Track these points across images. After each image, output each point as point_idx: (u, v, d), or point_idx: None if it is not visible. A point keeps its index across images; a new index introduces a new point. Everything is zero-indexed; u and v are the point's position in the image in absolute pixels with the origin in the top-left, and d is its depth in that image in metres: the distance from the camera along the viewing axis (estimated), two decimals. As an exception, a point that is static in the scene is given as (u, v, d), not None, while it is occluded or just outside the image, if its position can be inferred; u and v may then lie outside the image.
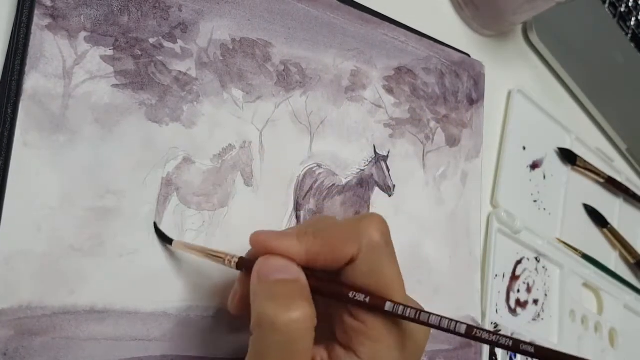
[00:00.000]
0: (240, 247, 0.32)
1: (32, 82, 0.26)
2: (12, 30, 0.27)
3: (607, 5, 0.61)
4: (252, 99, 0.33)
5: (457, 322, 0.22)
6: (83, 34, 0.28)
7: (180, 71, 0.30)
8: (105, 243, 0.27)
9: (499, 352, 0.43)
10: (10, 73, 0.26)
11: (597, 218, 0.55)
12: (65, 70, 0.27)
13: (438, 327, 0.23)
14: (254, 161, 0.33)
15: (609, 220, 0.57)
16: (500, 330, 0.43)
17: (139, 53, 0.29)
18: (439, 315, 0.23)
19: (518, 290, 0.46)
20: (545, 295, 0.49)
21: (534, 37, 0.53)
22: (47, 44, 0.27)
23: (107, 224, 0.28)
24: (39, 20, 0.27)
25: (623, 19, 0.62)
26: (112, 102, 0.28)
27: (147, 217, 0.29)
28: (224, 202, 0.31)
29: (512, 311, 0.45)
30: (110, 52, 0.28)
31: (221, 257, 0.27)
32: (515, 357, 0.44)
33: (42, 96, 0.26)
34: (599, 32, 0.60)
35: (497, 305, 0.44)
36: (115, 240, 0.28)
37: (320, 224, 0.26)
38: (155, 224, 0.29)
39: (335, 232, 0.25)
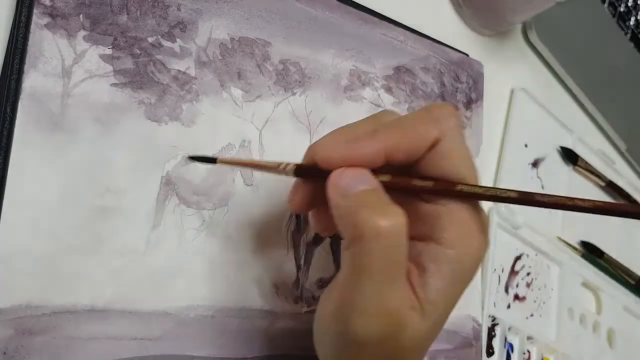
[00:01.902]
0: (241, 247, 0.32)
1: (31, 81, 0.26)
2: (11, 30, 0.27)
3: (606, 4, 0.61)
4: (252, 98, 0.33)
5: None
6: (82, 33, 0.28)
7: (179, 70, 0.30)
8: (105, 242, 0.27)
9: (495, 345, 0.43)
10: (9, 72, 0.26)
11: (593, 250, 0.54)
12: (64, 69, 0.27)
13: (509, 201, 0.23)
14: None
15: (609, 224, 0.57)
16: (497, 325, 0.43)
17: (138, 52, 0.29)
18: (509, 190, 0.23)
19: (517, 286, 0.46)
20: (544, 292, 0.49)
21: (533, 37, 0.53)
22: (46, 43, 0.27)
23: (107, 223, 0.28)
24: (37, 19, 0.27)
25: (622, 18, 0.62)
26: (111, 101, 0.28)
27: (147, 216, 0.29)
28: (224, 201, 0.31)
29: (510, 306, 0.46)
30: (109, 51, 0.28)
31: (273, 167, 0.26)
32: (512, 350, 0.44)
33: (41, 95, 0.26)
34: (598, 32, 0.60)
35: (495, 298, 0.44)
36: (115, 239, 0.28)
37: (385, 117, 0.25)
38: (190, 156, 0.29)
39: (412, 120, 0.24)
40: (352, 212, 0.22)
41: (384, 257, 0.22)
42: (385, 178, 0.24)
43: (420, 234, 0.24)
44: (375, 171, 0.24)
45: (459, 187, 0.23)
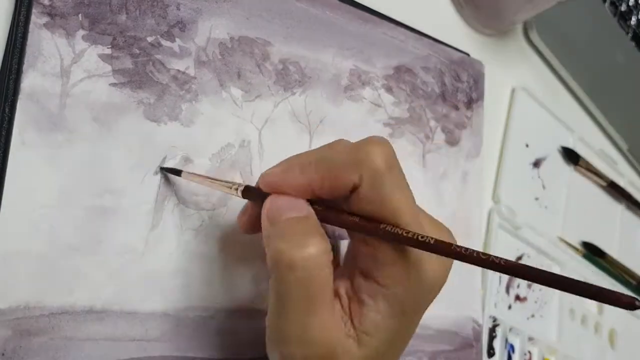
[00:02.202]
0: (240, 247, 0.31)
1: (29, 80, 0.26)
2: (10, 29, 0.27)
3: (607, 4, 0.61)
4: (251, 98, 0.33)
5: (443, 242, 0.21)
6: (81, 32, 0.28)
7: (178, 70, 0.30)
8: (103, 242, 0.27)
9: (496, 346, 0.43)
10: (8, 72, 0.26)
11: (594, 250, 0.54)
12: (63, 68, 0.27)
13: (426, 248, 0.22)
14: (253, 160, 0.33)
15: (610, 224, 0.57)
16: (498, 325, 0.43)
17: (137, 52, 0.29)
18: (428, 237, 0.22)
19: (518, 286, 0.46)
20: (545, 292, 0.48)
21: (534, 36, 0.53)
22: (44, 43, 0.27)
23: (106, 223, 0.27)
24: (36, 19, 0.26)
25: (623, 17, 0.62)
26: (110, 101, 0.28)
27: (146, 216, 0.29)
28: (223, 201, 0.31)
29: (511, 306, 0.45)
30: (108, 51, 0.28)
31: (227, 185, 0.27)
32: (513, 351, 0.44)
33: (40, 95, 0.26)
34: (599, 31, 0.60)
35: (496, 299, 0.44)
36: (114, 239, 0.28)
37: (321, 152, 0.25)
38: (160, 168, 0.29)
39: (336, 160, 0.24)
40: (273, 241, 0.23)
41: (300, 287, 0.22)
42: (319, 208, 0.24)
43: (364, 269, 0.24)
44: (312, 201, 0.24)
45: (383, 227, 0.23)
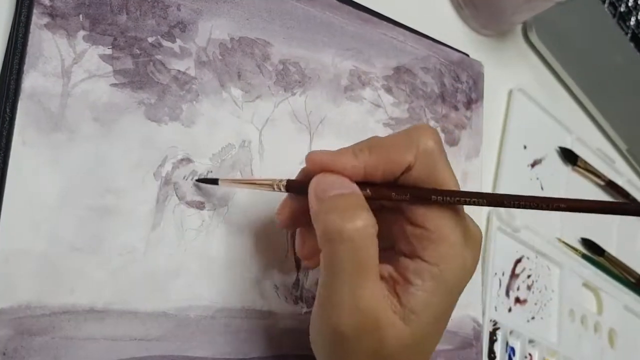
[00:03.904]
0: (241, 247, 0.32)
1: (30, 81, 0.26)
2: (11, 30, 0.27)
3: (606, 4, 0.61)
4: (252, 98, 0.33)
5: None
6: (82, 33, 0.28)
7: (179, 70, 0.30)
8: (104, 242, 0.27)
9: (497, 349, 0.43)
10: (9, 72, 0.26)
11: (593, 248, 0.54)
12: (64, 69, 0.27)
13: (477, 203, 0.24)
14: (254, 160, 0.33)
15: (609, 223, 0.57)
16: (499, 328, 0.43)
17: (138, 52, 0.29)
18: (473, 193, 0.24)
19: (518, 288, 0.46)
20: (545, 294, 0.48)
21: (533, 37, 0.53)
22: (45, 43, 0.27)
23: (107, 223, 0.28)
24: (37, 19, 0.27)
25: (623, 18, 0.62)
26: (111, 101, 0.28)
27: (146, 216, 0.29)
28: (224, 201, 0.31)
29: (511, 309, 0.45)
30: (109, 51, 0.28)
31: (268, 184, 0.28)
32: (514, 354, 0.44)
33: (41, 95, 0.26)
34: (598, 32, 0.60)
35: (496, 302, 0.44)
36: (115, 239, 0.28)
37: (372, 140, 0.26)
38: (196, 180, 0.30)
39: (391, 143, 0.25)
40: (322, 215, 0.24)
41: (351, 258, 0.23)
42: (367, 190, 0.26)
43: (407, 250, 0.26)
44: (359, 183, 0.26)
45: (433, 197, 0.25)
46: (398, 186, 0.25)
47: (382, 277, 0.25)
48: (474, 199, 0.24)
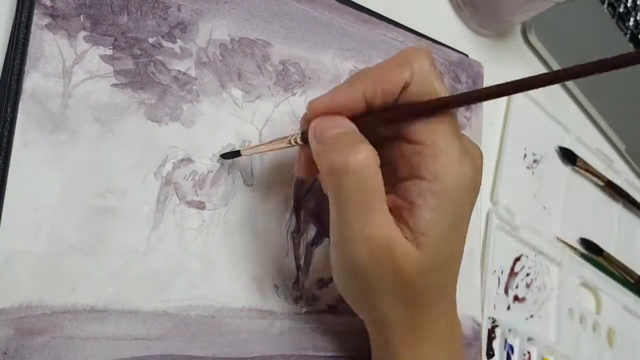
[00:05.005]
0: (241, 247, 0.32)
1: (31, 81, 0.26)
2: (12, 30, 0.27)
3: (605, 5, 0.61)
4: (252, 99, 0.33)
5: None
6: (82, 33, 0.28)
7: (179, 70, 0.31)
8: (105, 242, 0.27)
9: (495, 347, 0.43)
10: (10, 72, 0.26)
11: (592, 248, 0.54)
12: (65, 69, 0.27)
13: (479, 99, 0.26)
14: (254, 160, 0.33)
15: (608, 223, 0.57)
16: (497, 326, 0.43)
17: (139, 52, 0.29)
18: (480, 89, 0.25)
19: (516, 287, 0.46)
20: (544, 293, 0.49)
21: (532, 38, 0.53)
22: (46, 44, 0.27)
23: (107, 223, 0.28)
24: (38, 20, 0.27)
25: (622, 19, 0.63)
26: (111, 102, 0.28)
27: (147, 216, 0.29)
28: (224, 201, 0.31)
29: (510, 307, 0.46)
30: (109, 52, 0.28)
31: (285, 141, 0.28)
32: (512, 352, 0.45)
33: (42, 95, 0.26)
34: (597, 33, 0.60)
35: (495, 300, 0.44)
36: (115, 239, 0.28)
37: (366, 69, 0.27)
38: (220, 156, 0.31)
39: (385, 65, 0.26)
40: (324, 154, 0.25)
41: (357, 189, 0.24)
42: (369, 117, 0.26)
43: (407, 174, 0.26)
44: (358, 117, 0.26)
45: (430, 102, 0.25)
46: (398, 105, 0.26)
47: (389, 208, 0.25)
48: (469, 97, 0.25)
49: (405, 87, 0.25)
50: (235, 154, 0.31)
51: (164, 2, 0.30)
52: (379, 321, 0.28)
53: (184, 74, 0.31)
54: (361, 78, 0.26)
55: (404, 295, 0.26)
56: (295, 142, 0.28)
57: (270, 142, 0.30)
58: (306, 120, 0.28)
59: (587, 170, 0.55)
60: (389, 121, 0.26)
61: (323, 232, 0.35)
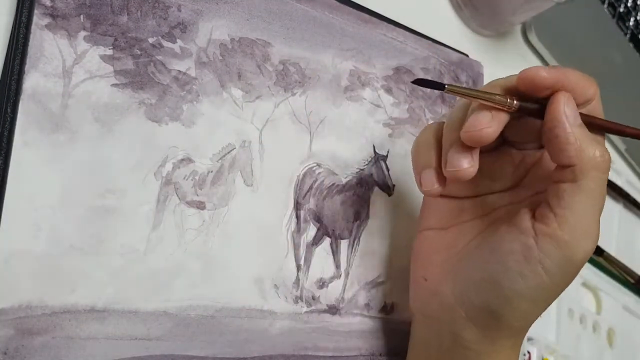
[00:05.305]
0: (241, 247, 0.32)
1: (31, 81, 0.26)
2: (12, 30, 0.27)
3: (606, 5, 0.61)
4: (252, 99, 0.33)
5: None
6: (82, 33, 0.28)
7: (179, 70, 0.31)
8: (105, 242, 0.27)
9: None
10: (10, 72, 0.26)
11: None
12: (65, 69, 0.27)
13: None
14: (254, 160, 0.33)
15: (609, 223, 0.57)
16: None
17: (139, 52, 0.29)
18: None
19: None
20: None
21: (532, 38, 0.53)
22: (46, 44, 0.27)
23: (107, 223, 0.28)
24: (38, 20, 0.27)
25: (622, 19, 0.63)
26: (111, 102, 0.28)
27: (147, 216, 0.29)
28: (224, 201, 0.31)
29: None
30: (109, 52, 0.28)
31: (501, 101, 0.27)
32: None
33: (42, 95, 0.27)
34: (597, 33, 0.60)
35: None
36: (115, 239, 0.28)
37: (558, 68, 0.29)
38: (420, 79, 0.29)
39: (578, 74, 0.29)
40: (588, 143, 0.26)
41: (603, 188, 0.26)
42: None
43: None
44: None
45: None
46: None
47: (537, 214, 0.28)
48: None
49: (588, 101, 0.28)
50: (439, 86, 0.27)
51: (164, 2, 0.30)
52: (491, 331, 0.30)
53: (184, 74, 0.31)
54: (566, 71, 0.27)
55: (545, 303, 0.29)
56: (509, 108, 0.27)
57: (485, 90, 0.28)
58: (533, 87, 0.27)
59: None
60: (608, 130, 0.29)
61: (323, 232, 0.35)
